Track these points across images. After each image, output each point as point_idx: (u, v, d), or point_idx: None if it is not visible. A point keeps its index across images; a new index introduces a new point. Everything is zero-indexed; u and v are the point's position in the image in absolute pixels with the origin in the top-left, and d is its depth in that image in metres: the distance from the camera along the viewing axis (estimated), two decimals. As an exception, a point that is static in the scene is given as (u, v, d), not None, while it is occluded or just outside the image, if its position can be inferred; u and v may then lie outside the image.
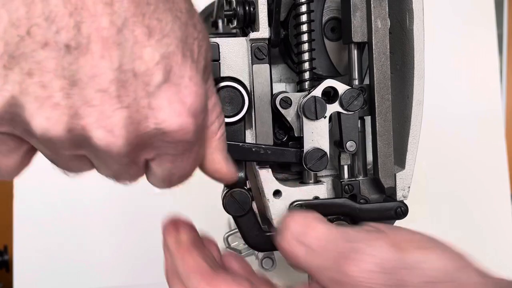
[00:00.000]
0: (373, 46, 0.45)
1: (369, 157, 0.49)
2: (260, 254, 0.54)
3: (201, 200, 0.99)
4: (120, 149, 0.31)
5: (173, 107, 0.32)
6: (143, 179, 0.39)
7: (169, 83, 0.32)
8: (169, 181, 0.38)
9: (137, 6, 0.31)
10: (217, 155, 0.40)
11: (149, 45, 0.31)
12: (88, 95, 0.30)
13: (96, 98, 0.30)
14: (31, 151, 0.35)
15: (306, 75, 0.47)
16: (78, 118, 0.30)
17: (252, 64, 0.46)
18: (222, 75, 0.45)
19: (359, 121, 0.47)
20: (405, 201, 0.48)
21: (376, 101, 0.46)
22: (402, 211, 0.48)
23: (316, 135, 0.46)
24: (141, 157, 0.35)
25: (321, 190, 0.49)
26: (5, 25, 0.29)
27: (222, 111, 0.41)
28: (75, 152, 0.33)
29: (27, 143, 0.34)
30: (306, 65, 0.47)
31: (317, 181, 0.49)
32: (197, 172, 0.41)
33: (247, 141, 0.47)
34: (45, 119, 0.30)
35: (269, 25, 0.46)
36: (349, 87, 0.46)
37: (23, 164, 0.35)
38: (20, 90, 0.29)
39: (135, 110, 0.31)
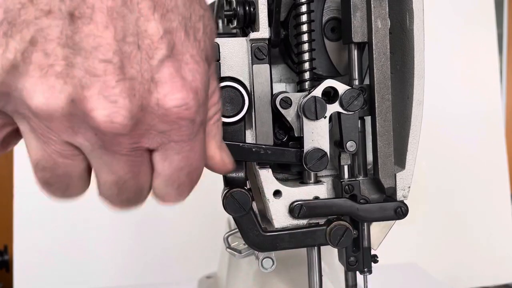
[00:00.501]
0: (373, 46, 0.45)
1: (369, 157, 0.49)
2: (260, 254, 0.54)
3: (201, 200, 0.99)
4: (123, 122, 0.30)
5: (174, 82, 0.31)
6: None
7: (172, 58, 0.31)
8: (178, 180, 0.36)
9: None
10: (210, 140, 0.38)
11: (153, 19, 0.31)
12: (91, 64, 0.29)
13: (100, 68, 0.29)
14: (11, 138, 0.34)
15: (306, 75, 0.48)
16: (81, 88, 0.29)
17: (252, 64, 0.46)
18: (222, 75, 0.45)
19: (359, 121, 0.47)
20: (405, 201, 0.48)
21: (376, 101, 0.46)
22: (402, 211, 0.48)
23: (316, 135, 0.46)
24: (143, 143, 0.33)
25: (321, 190, 0.49)
26: None
27: (220, 99, 0.40)
28: (71, 138, 0.31)
29: (10, 127, 0.32)
30: (306, 65, 0.47)
31: (317, 181, 0.49)
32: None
33: (247, 141, 0.47)
34: (48, 89, 0.29)
35: (269, 25, 0.46)
36: (349, 87, 0.46)
37: (10, 144, 0.34)
38: (22, 58, 0.29)
39: (138, 82, 0.30)
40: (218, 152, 0.39)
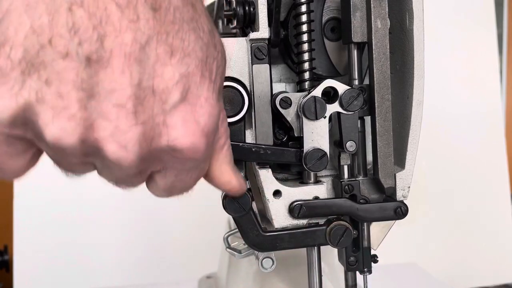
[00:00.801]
0: (373, 46, 0.45)
1: (369, 157, 0.49)
2: (260, 254, 0.54)
3: (201, 200, 0.99)
4: (131, 163, 0.32)
5: (187, 126, 0.32)
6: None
7: (186, 102, 0.32)
8: (170, 192, 0.38)
9: (162, 25, 0.31)
10: (225, 167, 0.40)
11: (170, 64, 0.31)
12: (105, 109, 0.30)
13: (113, 112, 0.30)
14: (38, 153, 0.35)
15: (306, 75, 0.47)
16: (93, 130, 0.30)
17: (252, 64, 0.46)
18: (222, 75, 0.45)
19: (359, 121, 0.47)
20: (405, 201, 0.48)
21: (376, 101, 0.46)
22: (402, 211, 0.48)
23: (316, 135, 0.46)
24: (148, 169, 0.35)
25: (321, 190, 0.49)
26: (26, 32, 0.29)
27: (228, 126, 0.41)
28: (83, 159, 0.33)
29: (36, 146, 0.33)
30: (306, 65, 0.47)
31: (317, 181, 0.49)
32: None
33: (247, 141, 0.47)
34: (59, 129, 0.29)
35: (269, 25, 0.46)
36: (349, 87, 0.46)
37: (30, 165, 0.35)
38: (36, 97, 0.29)
39: (150, 127, 0.31)
40: (234, 177, 0.41)
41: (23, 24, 0.28)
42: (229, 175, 0.40)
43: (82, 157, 0.32)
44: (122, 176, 0.35)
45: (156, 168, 0.35)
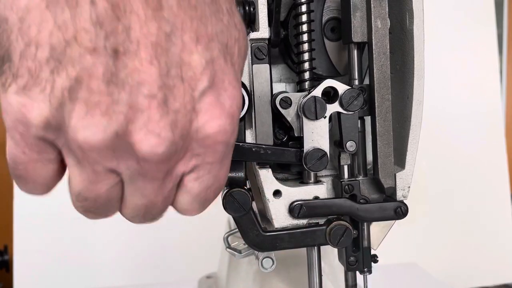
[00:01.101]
0: (373, 46, 0.45)
1: (369, 157, 0.49)
2: (260, 254, 0.54)
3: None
4: (164, 152, 0.31)
5: (214, 111, 0.32)
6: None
7: (213, 87, 0.32)
8: (205, 197, 0.36)
9: (185, 12, 0.30)
10: None
11: (196, 51, 0.31)
12: (136, 100, 0.29)
13: (144, 103, 0.29)
14: (64, 167, 0.34)
15: (306, 75, 0.48)
16: (126, 123, 0.30)
17: (252, 64, 0.46)
18: (222, 75, 0.45)
19: (359, 121, 0.47)
20: (405, 201, 0.48)
21: (376, 101, 0.46)
22: (402, 211, 0.48)
23: (316, 135, 0.46)
24: (179, 168, 0.34)
25: (321, 190, 0.49)
26: (51, 28, 0.28)
27: None
28: (115, 165, 0.32)
29: (61, 157, 0.33)
30: (306, 65, 0.47)
31: (317, 181, 0.49)
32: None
33: (247, 141, 0.47)
34: (94, 126, 0.29)
35: (269, 25, 0.46)
36: (349, 87, 0.46)
37: (57, 177, 0.34)
38: (68, 95, 0.29)
39: (181, 115, 0.31)
40: None
41: (46, 21, 0.28)
42: None
43: (110, 160, 0.31)
44: (150, 189, 0.33)
45: (187, 167, 0.34)
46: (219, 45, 0.32)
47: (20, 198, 1.25)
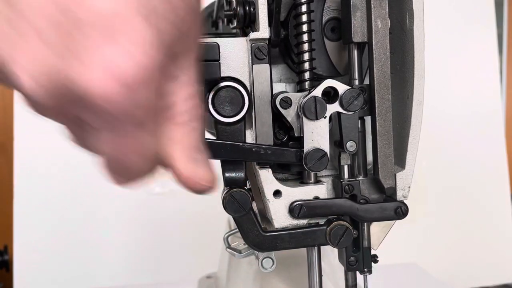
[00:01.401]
0: (373, 46, 0.45)
1: (369, 157, 0.49)
2: (260, 254, 0.54)
3: (201, 200, 0.99)
4: (42, 100, 0.28)
5: (102, 68, 0.27)
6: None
7: (109, 40, 0.27)
8: (117, 171, 0.33)
9: None
10: (180, 150, 0.33)
11: None
12: (21, 27, 0.27)
13: (30, 34, 0.27)
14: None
15: (306, 75, 0.47)
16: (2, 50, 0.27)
17: (252, 64, 0.46)
18: (222, 75, 0.45)
19: (359, 121, 0.47)
20: (405, 201, 0.48)
21: (376, 101, 0.46)
22: (402, 211, 0.48)
23: (316, 135, 0.46)
24: (69, 113, 0.30)
25: (321, 190, 0.49)
26: None
27: (200, 101, 0.34)
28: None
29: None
30: (306, 65, 0.47)
31: (317, 181, 0.49)
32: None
33: (247, 141, 0.47)
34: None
35: (269, 25, 0.46)
36: (349, 87, 0.46)
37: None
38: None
39: (65, 61, 0.27)
40: (186, 165, 0.34)
41: None
42: (178, 161, 0.34)
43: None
44: (101, 123, 0.30)
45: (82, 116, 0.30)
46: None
47: (20, 198, 1.26)
